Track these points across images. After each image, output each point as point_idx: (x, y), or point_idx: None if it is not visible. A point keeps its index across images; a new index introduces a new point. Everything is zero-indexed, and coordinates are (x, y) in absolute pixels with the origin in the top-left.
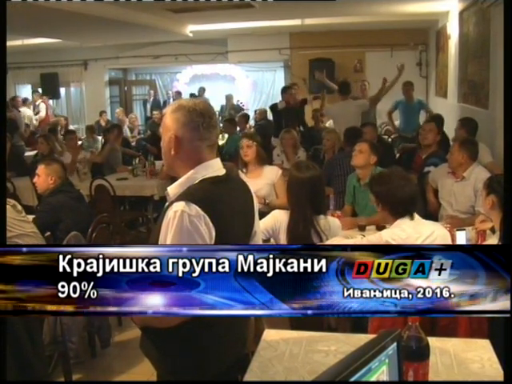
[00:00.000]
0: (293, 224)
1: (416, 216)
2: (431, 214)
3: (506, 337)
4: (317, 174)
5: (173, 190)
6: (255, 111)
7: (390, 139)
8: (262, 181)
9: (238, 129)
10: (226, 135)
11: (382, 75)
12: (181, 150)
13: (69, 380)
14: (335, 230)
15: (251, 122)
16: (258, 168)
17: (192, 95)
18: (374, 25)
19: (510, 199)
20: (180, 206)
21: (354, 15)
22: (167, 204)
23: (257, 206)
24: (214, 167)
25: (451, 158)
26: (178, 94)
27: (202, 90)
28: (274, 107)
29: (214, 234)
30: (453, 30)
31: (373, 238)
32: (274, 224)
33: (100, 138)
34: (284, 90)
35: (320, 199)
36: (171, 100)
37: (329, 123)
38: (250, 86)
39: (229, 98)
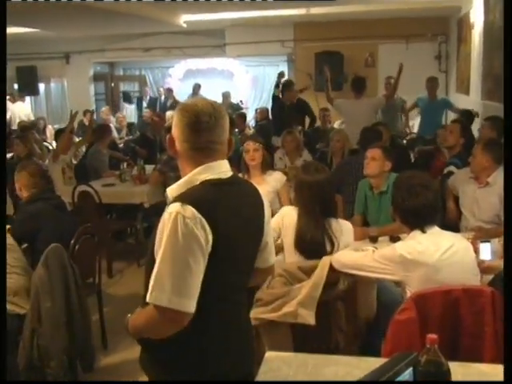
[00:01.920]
0: (302, 228)
1: (434, 227)
2: (451, 224)
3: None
4: (326, 177)
5: (172, 191)
6: (256, 110)
7: (404, 141)
8: (266, 188)
9: (235, 130)
10: None
11: (396, 70)
12: (182, 150)
13: None
14: (348, 233)
15: (251, 123)
16: (261, 174)
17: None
18: (387, 13)
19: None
20: (175, 207)
21: (365, 3)
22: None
23: (269, 215)
24: (219, 169)
25: (474, 162)
26: (169, 91)
27: (197, 87)
28: (273, 99)
29: (210, 237)
30: (477, 17)
31: (386, 251)
32: (281, 222)
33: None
34: (286, 87)
35: (330, 202)
36: (162, 98)
37: (337, 123)
38: (250, 82)
39: (226, 95)
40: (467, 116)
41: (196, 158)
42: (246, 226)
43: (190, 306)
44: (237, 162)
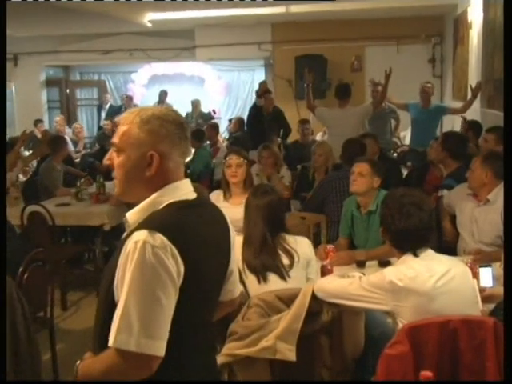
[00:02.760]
0: (247, 253)
1: (428, 250)
2: (447, 247)
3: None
4: (275, 199)
5: (133, 216)
6: (230, 120)
7: (395, 154)
8: (242, 209)
9: (207, 142)
10: (193, 150)
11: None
12: (159, 169)
13: None
14: (303, 245)
15: (224, 134)
16: (244, 192)
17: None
18: (375, 12)
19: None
20: (142, 235)
21: (351, 1)
22: (126, 234)
23: (234, 239)
24: (183, 189)
25: (472, 177)
26: (129, 99)
27: (163, 94)
28: (253, 108)
29: (182, 268)
30: (475, 16)
31: (374, 277)
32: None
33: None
34: (261, 91)
35: (280, 222)
36: (123, 107)
37: (319, 135)
38: (223, 89)
39: (196, 103)
40: (475, 127)
41: (172, 176)
42: (216, 254)
43: (161, 348)
44: (208, 178)
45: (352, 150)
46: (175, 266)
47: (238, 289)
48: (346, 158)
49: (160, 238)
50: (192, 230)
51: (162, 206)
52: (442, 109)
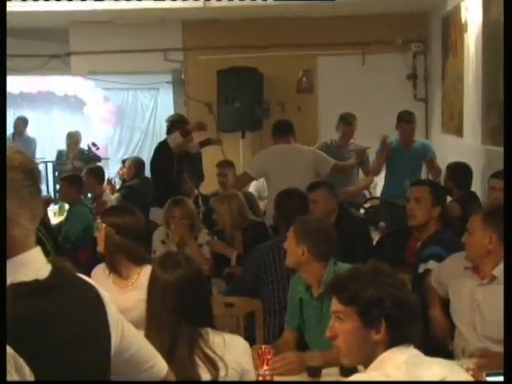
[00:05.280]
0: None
1: (411, 349)
2: (438, 345)
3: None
4: (190, 273)
5: None
6: (122, 162)
7: (362, 210)
8: (136, 294)
9: (88, 194)
10: (67, 205)
11: (346, 97)
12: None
13: None
14: (236, 349)
15: (113, 182)
16: (131, 269)
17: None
18: (332, 9)
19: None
20: None
21: None
22: None
23: (118, 330)
24: (33, 264)
25: (471, 242)
26: None
27: (20, 124)
28: (161, 147)
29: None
30: (472, 14)
31: None
32: None
33: None
34: (176, 122)
35: (201, 309)
36: None
37: (253, 184)
38: (112, 115)
39: (73, 137)
40: (462, 173)
41: (10, 248)
42: (79, 355)
43: None
44: (88, 247)
45: (287, 206)
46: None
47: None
48: (280, 218)
49: None
50: (41, 326)
51: None
52: (426, 147)
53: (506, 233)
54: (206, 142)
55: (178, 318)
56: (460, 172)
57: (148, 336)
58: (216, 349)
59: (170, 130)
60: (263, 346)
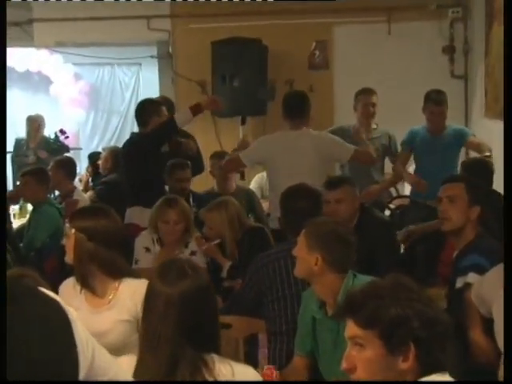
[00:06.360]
0: (143, 368)
1: (447, 378)
2: (481, 369)
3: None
4: (197, 285)
5: None
6: (94, 155)
7: (388, 212)
8: (114, 314)
9: (56, 192)
10: (30, 206)
11: (367, 75)
12: None
13: None
14: (244, 378)
15: (87, 175)
16: (108, 284)
17: None
18: None
19: None
20: None
21: None
22: None
23: (88, 355)
24: None
25: None
26: None
27: None
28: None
29: None
30: None
31: None
32: None
33: None
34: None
35: (205, 330)
36: None
37: (257, 177)
38: (84, 97)
39: (35, 122)
40: (479, 171)
41: None
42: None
43: None
44: (55, 255)
45: (299, 205)
46: None
47: None
48: (287, 221)
49: None
50: None
51: None
52: (462, 134)
53: (506, 233)
54: (197, 109)
55: (181, 339)
56: (476, 170)
57: (142, 361)
58: (222, 379)
59: (141, 116)
60: (266, 366)
